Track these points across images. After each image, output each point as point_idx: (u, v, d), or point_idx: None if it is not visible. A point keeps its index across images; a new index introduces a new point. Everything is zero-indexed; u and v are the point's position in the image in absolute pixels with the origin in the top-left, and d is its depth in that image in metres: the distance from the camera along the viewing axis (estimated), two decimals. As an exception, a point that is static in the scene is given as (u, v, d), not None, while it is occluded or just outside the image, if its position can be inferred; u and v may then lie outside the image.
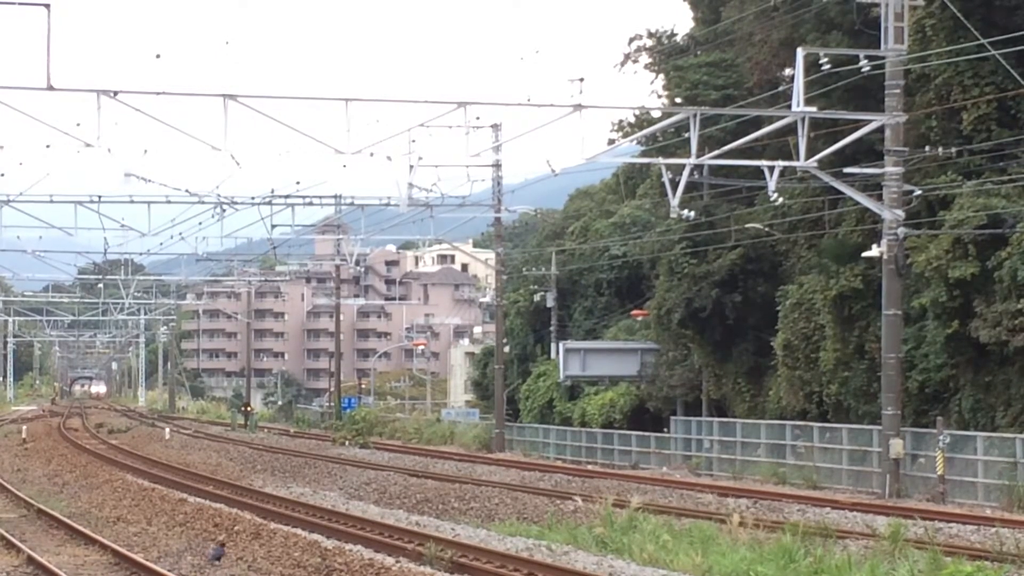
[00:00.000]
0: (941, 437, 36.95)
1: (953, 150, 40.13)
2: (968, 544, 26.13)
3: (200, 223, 61.70)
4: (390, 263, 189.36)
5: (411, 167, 44.93)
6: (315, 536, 26.35)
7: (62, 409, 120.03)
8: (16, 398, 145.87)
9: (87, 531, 28.03)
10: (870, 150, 41.15)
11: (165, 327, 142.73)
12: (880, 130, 38.58)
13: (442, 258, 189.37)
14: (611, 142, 63.55)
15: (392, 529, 27.82)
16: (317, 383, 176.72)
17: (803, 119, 36.46)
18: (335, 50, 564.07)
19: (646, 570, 22.00)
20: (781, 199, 42.65)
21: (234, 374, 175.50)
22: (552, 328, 72.62)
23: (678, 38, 63.15)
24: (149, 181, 57.27)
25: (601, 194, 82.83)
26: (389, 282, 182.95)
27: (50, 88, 33.06)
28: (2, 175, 55.19)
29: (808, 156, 36.89)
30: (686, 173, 38.73)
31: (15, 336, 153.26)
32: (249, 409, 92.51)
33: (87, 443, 65.60)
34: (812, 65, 37.74)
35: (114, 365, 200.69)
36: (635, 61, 63.77)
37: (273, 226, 62.37)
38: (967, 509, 34.16)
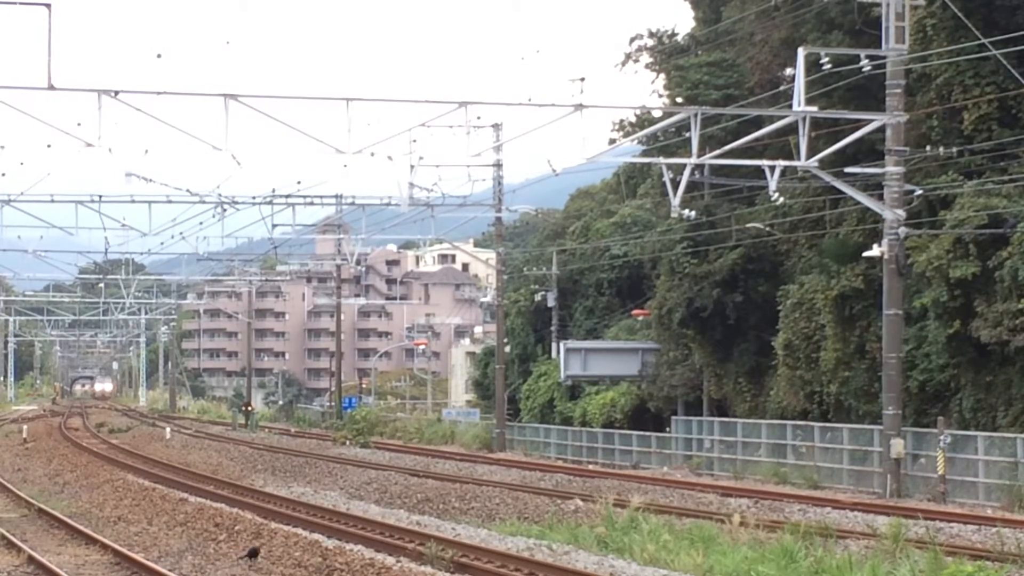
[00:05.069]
0: (942, 437, 36.94)
1: (954, 150, 40.13)
2: (969, 544, 26.12)
3: (201, 223, 61.77)
4: (391, 263, 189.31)
5: (412, 167, 45.08)
6: (316, 536, 26.33)
7: (63, 409, 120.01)
8: (17, 398, 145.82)
9: (88, 531, 28.02)
10: (871, 150, 41.14)
11: (166, 327, 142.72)
12: (881, 130, 38.58)
13: (443, 258, 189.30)
14: (612, 142, 63.54)
15: (393, 529, 27.82)
16: (318, 383, 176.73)
17: (804, 119, 36.47)
18: (335, 50, 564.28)
19: (647, 570, 21.99)
20: (782, 199, 42.68)
21: (235, 374, 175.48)
22: (553, 328, 72.64)
23: (679, 38, 63.11)
24: (150, 181, 57.31)
25: (602, 194, 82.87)
26: (390, 282, 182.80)
27: (51, 88, 33.07)
28: (3, 175, 55.22)
29: (809, 156, 36.90)
30: (687, 173, 38.73)
31: (16, 336, 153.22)
32: (250, 409, 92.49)
33: (88, 443, 65.59)
34: (813, 65, 37.75)
35: (115, 365, 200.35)
36: (636, 61, 63.76)
37: (274, 226, 62.46)
38: (968, 509, 34.16)
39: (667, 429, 54.41)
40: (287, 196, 59.62)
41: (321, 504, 33.62)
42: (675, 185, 39.76)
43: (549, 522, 29.42)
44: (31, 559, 24.09)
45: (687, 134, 38.35)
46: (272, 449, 60.80)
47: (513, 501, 34.69)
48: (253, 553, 23.62)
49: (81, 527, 28.70)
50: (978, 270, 38.21)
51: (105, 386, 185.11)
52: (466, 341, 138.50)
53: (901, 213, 38.16)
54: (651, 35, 64.05)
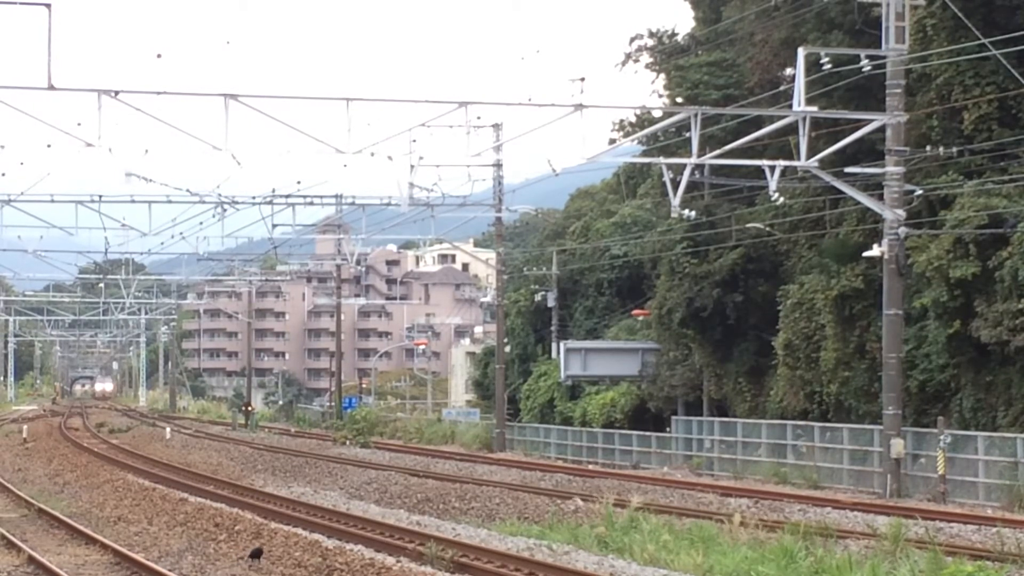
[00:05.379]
0: (942, 437, 36.94)
1: (954, 150, 40.11)
2: (969, 544, 26.12)
3: (201, 223, 61.77)
4: (391, 263, 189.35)
5: (412, 167, 45.00)
6: (316, 536, 26.34)
7: (63, 409, 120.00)
8: (17, 398, 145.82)
9: (88, 531, 28.02)
10: (871, 150, 41.14)
11: (166, 327, 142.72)
12: (881, 130, 38.58)
13: (443, 258, 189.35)
14: (612, 142, 63.56)
15: (393, 529, 27.82)
16: (318, 383, 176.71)
17: (804, 119, 36.47)
18: (335, 50, 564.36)
19: (647, 570, 21.99)
20: (782, 199, 42.67)
21: (235, 374, 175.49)
22: (553, 328, 72.64)
23: (679, 38, 63.14)
24: (150, 181, 57.26)
25: (602, 194, 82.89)
26: (390, 282, 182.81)
27: (51, 88, 33.07)
28: (3, 175, 55.22)
29: (809, 156, 36.90)
30: (687, 173, 38.73)
31: (16, 336, 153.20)
32: (250, 409, 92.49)
33: (88, 443, 65.59)
34: (813, 65, 37.75)
35: (115, 365, 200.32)
36: (636, 61, 63.81)
37: (274, 226, 62.41)
38: (968, 509, 34.16)
39: (667, 429, 54.40)
40: (287, 196, 59.63)
41: (321, 504, 33.62)
42: (675, 185, 39.75)
43: (549, 522, 29.42)
44: (31, 559, 24.09)
45: (687, 134, 38.34)
46: (272, 449, 60.79)
47: (513, 501, 34.68)
48: (256, 553, 23.61)
49: (81, 527, 28.70)
50: (978, 270, 38.20)
51: (105, 386, 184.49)
52: (466, 341, 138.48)
53: (901, 213, 38.16)
54: (651, 35, 64.10)
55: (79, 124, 35.70)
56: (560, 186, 74.82)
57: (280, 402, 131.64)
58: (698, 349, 56.86)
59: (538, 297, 74.77)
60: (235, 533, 27.12)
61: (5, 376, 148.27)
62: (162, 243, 67.43)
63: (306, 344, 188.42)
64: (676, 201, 39.73)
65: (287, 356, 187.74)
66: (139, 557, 23.76)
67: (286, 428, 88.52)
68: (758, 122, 43.44)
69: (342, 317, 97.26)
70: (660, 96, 62.20)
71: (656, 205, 66.12)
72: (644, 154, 58.93)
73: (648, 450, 53.77)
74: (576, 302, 73.64)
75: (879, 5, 38.35)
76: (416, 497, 36.42)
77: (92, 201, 56.02)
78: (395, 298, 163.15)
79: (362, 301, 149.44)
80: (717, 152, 39.77)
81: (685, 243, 54.81)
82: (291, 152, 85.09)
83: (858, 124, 39.23)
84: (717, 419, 52.14)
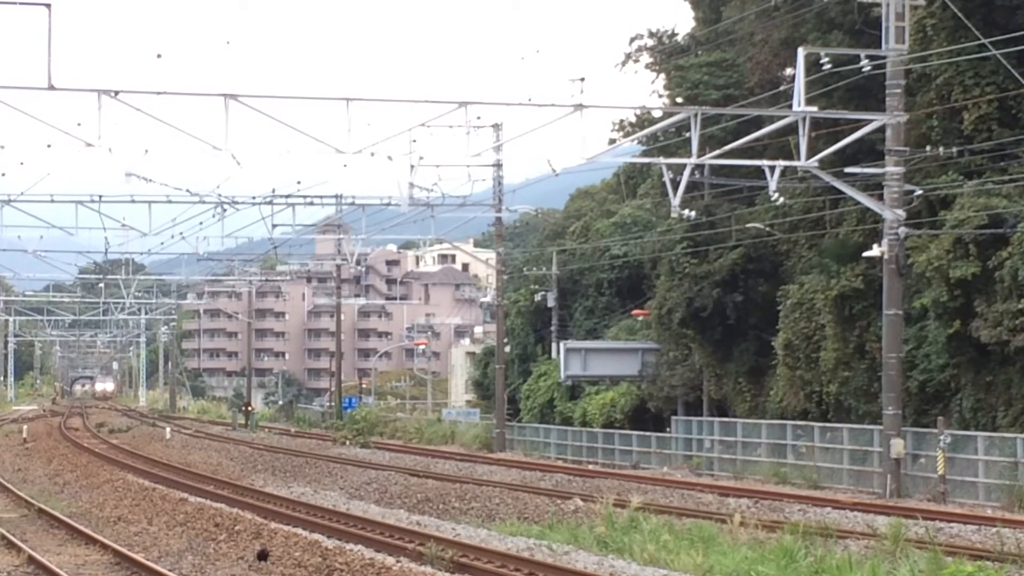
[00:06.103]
0: (942, 437, 36.94)
1: (954, 150, 40.10)
2: (969, 544, 26.12)
3: (201, 223, 61.76)
4: (391, 263, 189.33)
5: (412, 167, 44.98)
6: (316, 536, 26.34)
7: (63, 409, 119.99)
8: (17, 398, 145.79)
9: (88, 531, 28.02)
10: (871, 150, 41.15)
11: (166, 327, 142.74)
12: (881, 130, 38.58)
13: (443, 258, 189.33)
14: (612, 142, 63.56)
15: (393, 529, 27.82)
16: (318, 383, 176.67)
17: (804, 119, 36.47)
18: (335, 50, 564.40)
19: (647, 570, 21.99)
20: (782, 199, 42.66)
21: (235, 374, 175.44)
22: (553, 328, 72.65)
23: (679, 38, 63.18)
24: (150, 181, 57.27)
25: (602, 194, 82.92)
26: (390, 282, 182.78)
27: (51, 88, 33.07)
28: (3, 175, 55.33)
29: (809, 156, 36.89)
30: (687, 173, 38.73)
31: (16, 336, 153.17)
32: (250, 409, 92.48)
33: (88, 443, 65.59)
34: (813, 65, 37.75)
35: (115, 365, 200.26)
36: (636, 61, 63.86)
37: (274, 226, 62.41)
38: (968, 509, 34.16)
39: (667, 429, 54.40)
40: (287, 196, 59.64)
41: (321, 504, 33.63)
42: (675, 185, 39.75)
43: (549, 522, 29.43)
44: (31, 559, 24.09)
45: (687, 134, 38.34)
46: (272, 449, 60.79)
47: (513, 501, 34.69)
48: (263, 555, 23.49)
49: (81, 527, 28.70)
50: (978, 270, 38.20)
51: (106, 386, 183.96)
52: (466, 341, 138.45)
53: (901, 213, 38.16)
54: (651, 35, 64.15)
55: (79, 124, 35.72)
56: (560, 186, 74.89)
57: (280, 402, 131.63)
58: (698, 349, 56.86)
59: (538, 297, 74.78)
60: (235, 533, 27.12)
61: (5, 376, 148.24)
62: (162, 243, 67.48)
63: (306, 344, 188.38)
64: (676, 201, 39.73)
65: (287, 356, 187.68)
66: (139, 557, 23.77)
67: (286, 428, 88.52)
68: (758, 122, 43.43)
69: (342, 317, 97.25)
70: (660, 96, 62.29)
71: (656, 205, 66.11)
72: (644, 154, 58.93)
73: (648, 450, 53.77)
74: (576, 302, 73.65)
75: (879, 5, 38.34)
76: (416, 497, 36.42)
77: (92, 201, 56.03)
78: (395, 298, 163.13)
79: (362, 301, 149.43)
80: (717, 152, 39.76)
81: (685, 243, 54.81)
82: (291, 152, 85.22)
83: (858, 124, 39.24)
84: (717, 419, 52.14)
